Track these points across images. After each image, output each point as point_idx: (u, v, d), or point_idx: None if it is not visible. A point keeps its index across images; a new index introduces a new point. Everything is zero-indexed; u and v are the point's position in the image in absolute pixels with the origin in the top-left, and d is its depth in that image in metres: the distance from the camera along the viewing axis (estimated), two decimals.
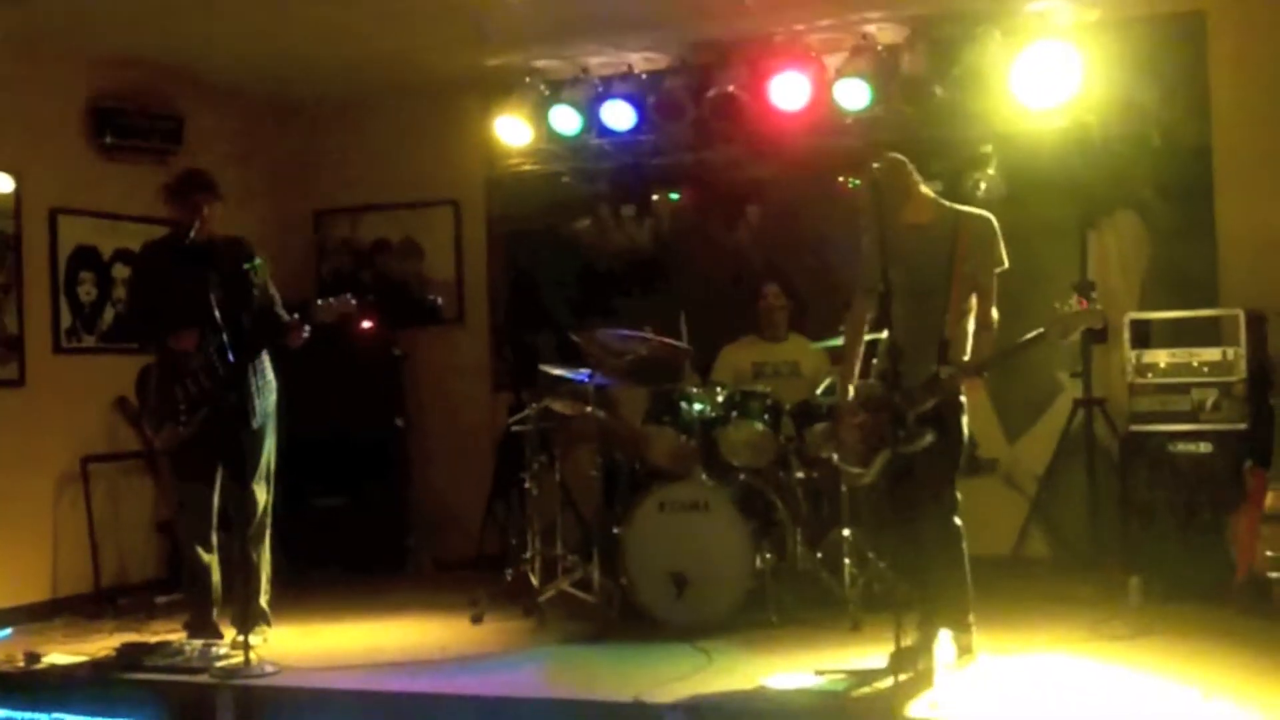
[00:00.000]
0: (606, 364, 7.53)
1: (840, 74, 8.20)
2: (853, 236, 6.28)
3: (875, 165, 5.79)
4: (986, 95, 7.96)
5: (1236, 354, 7.25)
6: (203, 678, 6.07)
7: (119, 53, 8.42)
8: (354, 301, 6.87)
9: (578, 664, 6.30)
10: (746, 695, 5.49)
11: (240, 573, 6.79)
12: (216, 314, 6.54)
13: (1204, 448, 7.24)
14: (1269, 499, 6.75)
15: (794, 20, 8.25)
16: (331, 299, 6.88)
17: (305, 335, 6.72)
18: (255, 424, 6.73)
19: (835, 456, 6.17)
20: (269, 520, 6.91)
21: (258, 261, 6.74)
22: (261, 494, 6.83)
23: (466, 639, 6.94)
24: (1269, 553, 6.71)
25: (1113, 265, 8.20)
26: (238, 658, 6.15)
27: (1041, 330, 5.60)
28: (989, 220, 5.84)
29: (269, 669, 6.13)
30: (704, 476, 7.04)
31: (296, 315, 6.80)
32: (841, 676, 5.66)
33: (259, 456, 6.80)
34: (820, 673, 5.71)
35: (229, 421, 6.60)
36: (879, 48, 8.22)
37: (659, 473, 7.30)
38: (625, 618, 6.93)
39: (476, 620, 7.25)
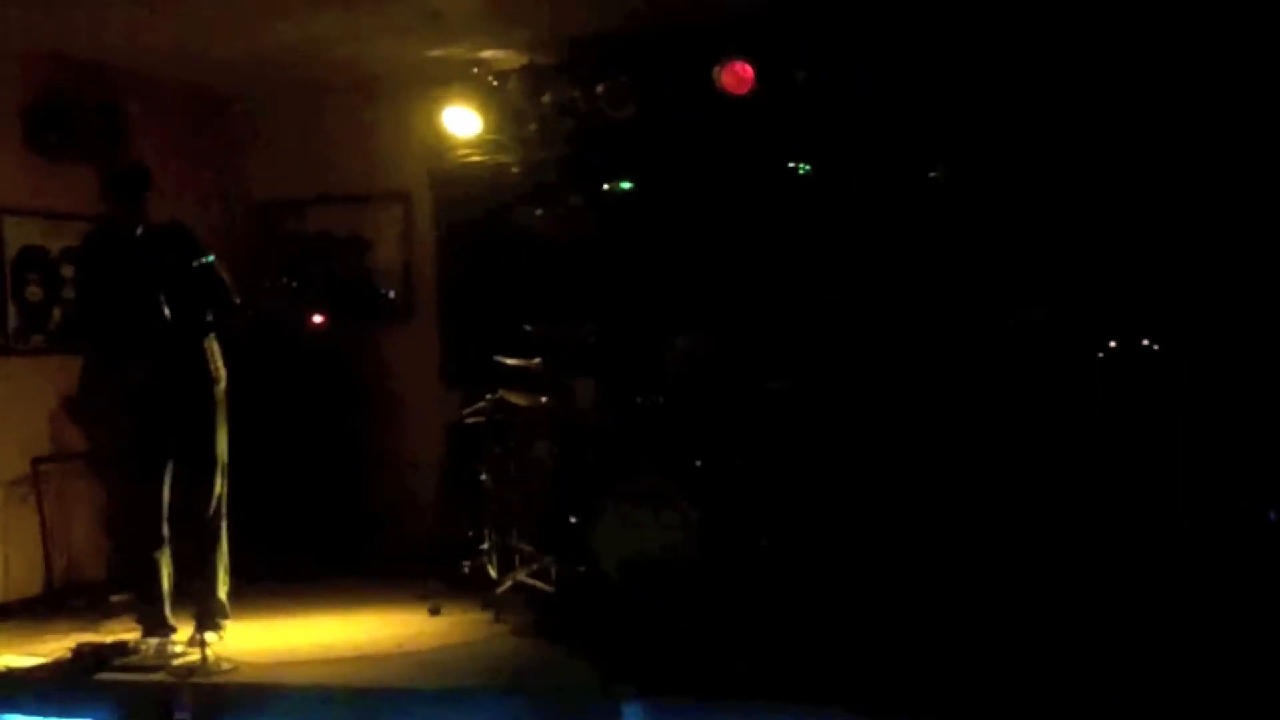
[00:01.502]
0: (559, 354, 7.52)
1: None
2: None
3: None
4: None
5: None
6: (159, 676, 6.04)
7: (56, 50, 8.31)
8: (294, 284, 6.83)
9: (535, 654, 6.30)
10: (706, 680, 5.51)
11: (197, 567, 6.74)
12: (165, 308, 6.49)
13: None
14: None
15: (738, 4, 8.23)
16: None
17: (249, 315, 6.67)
18: (209, 415, 6.68)
19: None
20: (224, 512, 6.85)
21: (210, 258, 6.69)
22: (216, 486, 6.78)
23: (425, 632, 6.93)
24: None
25: None
26: (194, 655, 6.12)
27: None
28: None
29: (226, 666, 6.11)
30: (658, 466, 7.05)
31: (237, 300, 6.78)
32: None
33: (213, 448, 6.75)
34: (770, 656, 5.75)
35: (180, 413, 6.55)
36: None
37: (614, 462, 7.31)
38: (584, 606, 6.93)
39: (434, 613, 7.24)
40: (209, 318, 6.67)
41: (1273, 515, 6.81)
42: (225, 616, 6.80)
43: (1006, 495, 6.86)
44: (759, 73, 8.08)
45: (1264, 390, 6.85)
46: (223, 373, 6.79)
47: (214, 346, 6.76)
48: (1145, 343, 7.42)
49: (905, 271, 7.37)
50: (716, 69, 8.13)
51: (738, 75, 8.08)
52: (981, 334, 7.29)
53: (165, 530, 6.75)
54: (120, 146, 8.53)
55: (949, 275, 6.79)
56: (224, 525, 6.87)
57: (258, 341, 6.72)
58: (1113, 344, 7.39)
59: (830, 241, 7.90)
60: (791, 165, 8.44)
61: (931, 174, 7.21)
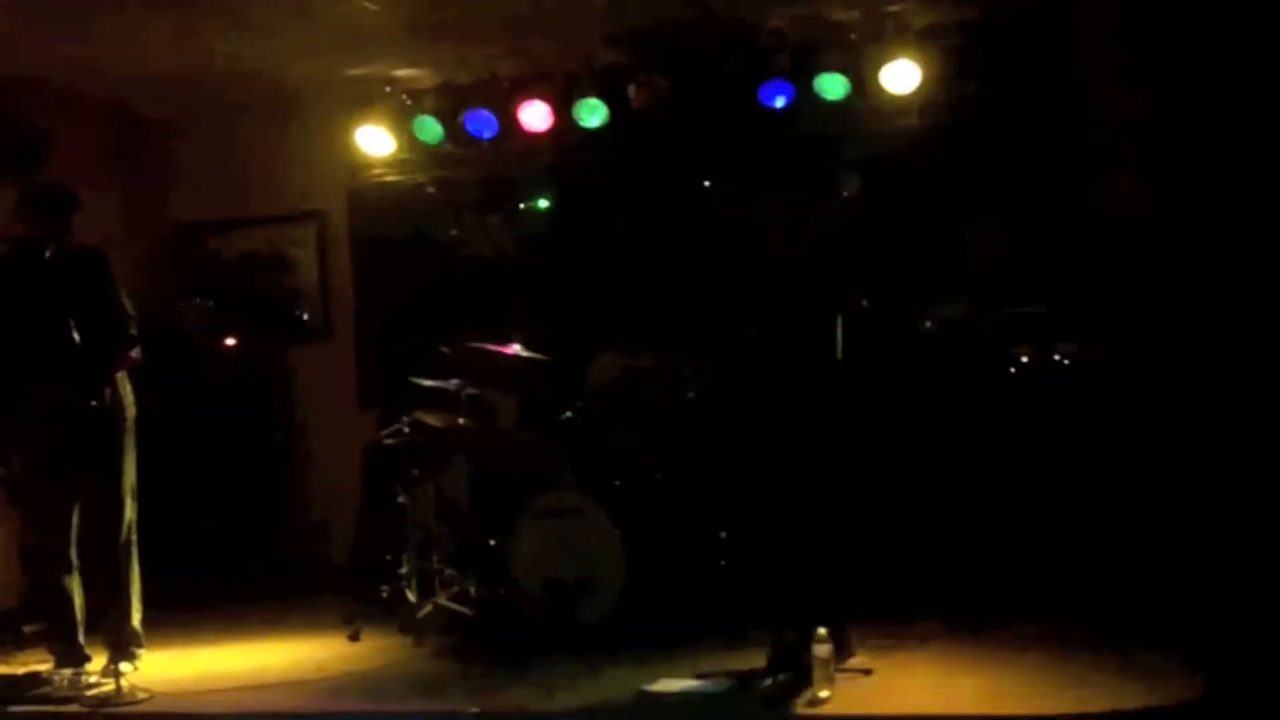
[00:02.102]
0: (476, 373, 7.50)
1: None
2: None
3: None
4: (846, 97, 8.09)
5: None
6: (73, 708, 5.94)
7: None
8: (210, 305, 6.75)
9: (458, 678, 6.25)
10: (629, 702, 5.51)
11: (108, 595, 6.62)
12: (75, 333, 6.38)
13: None
14: None
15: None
16: (185, 304, 6.76)
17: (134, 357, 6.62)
18: (116, 441, 6.57)
19: None
20: (134, 539, 6.73)
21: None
22: (127, 512, 6.66)
23: (344, 656, 6.87)
24: None
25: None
26: (109, 686, 6.03)
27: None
28: None
29: (141, 695, 6.01)
30: (578, 484, 7.04)
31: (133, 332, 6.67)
32: (723, 678, 5.71)
33: (120, 475, 6.63)
34: (702, 675, 5.76)
35: (88, 439, 6.45)
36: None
37: (534, 481, 7.28)
38: (505, 629, 6.90)
39: (354, 638, 7.17)
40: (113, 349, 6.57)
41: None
42: (139, 645, 6.69)
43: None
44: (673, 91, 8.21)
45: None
46: (130, 399, 6.68)
47: (123, 375, 6.66)
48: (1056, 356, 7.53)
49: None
50: (632, 88, 8.20)
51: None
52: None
53: (74, 557, 6.63)
54: (38, 165, 8.37)
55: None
56: (134, 552, 6.74)
57: (171, 364, 6.63)
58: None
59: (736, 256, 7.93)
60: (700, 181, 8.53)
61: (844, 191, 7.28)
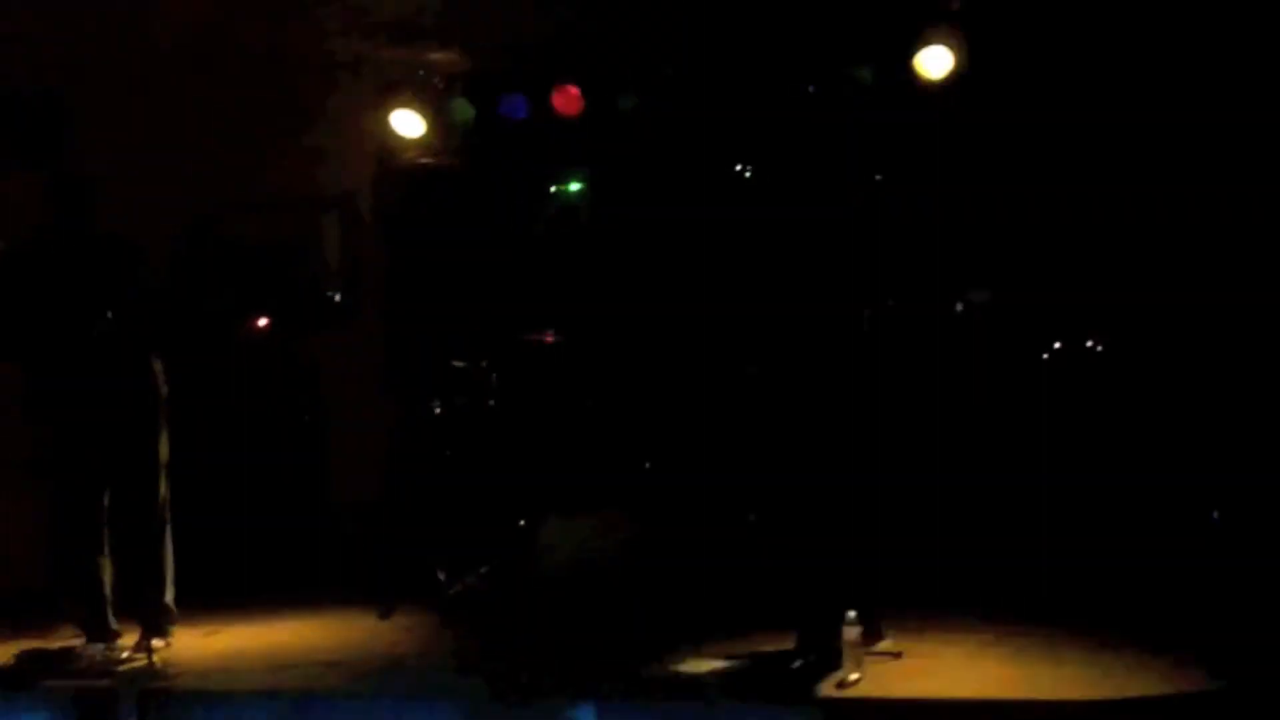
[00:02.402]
0: (506, 358, 7.49)
1: None
2: None
3: None
4: None
5: None
6: (105, 683, 5.97)
7: None
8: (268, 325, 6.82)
9: (486, 658, 6.25)
10: (658, 682, 5.51)
11: (143, 572, 6.65)
12: (99, 319, 6.44)
13: None
14: None
15: None
16: (262, 324, 6.80)
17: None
18: (151, 422, 6.61)
19: None
20: (168, 517, 6.76)
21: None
22: (160, 490, 6.69)
23: (374, 636, 6.88)
24: None
25: None
26: (140, 661, 6.05)
27: None
28: None
29: (172, 672, 6.04)
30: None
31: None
32: (751, 660, 5.71)
33: (155, 454, 6.67)
34: (731, 656, 5.75)
35: (121, 421, 6.49)
36: None
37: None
38: (535, 611, 6.91)
39: (383, 617, 7.18)
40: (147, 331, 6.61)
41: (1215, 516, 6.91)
42: (172, 621, 6.72)
43: None
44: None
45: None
46: (162, 379, 6.71)
47: (156, 359, 6.70)
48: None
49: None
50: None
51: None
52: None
53: (106, 536, 6.67)
54: (60, 148, 8.37)
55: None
56: (168, 529, 6.77)
57: (202, 346, 6.68)
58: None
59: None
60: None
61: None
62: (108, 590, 6.67)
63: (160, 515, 6.69)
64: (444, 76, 8.83)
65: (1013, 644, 5.84)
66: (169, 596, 6.71)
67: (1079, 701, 4.95)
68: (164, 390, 6.69)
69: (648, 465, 7.26)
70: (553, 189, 9.16)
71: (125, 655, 6.30)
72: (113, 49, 8.53)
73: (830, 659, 5.43)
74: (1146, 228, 7.47)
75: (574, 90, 8.49)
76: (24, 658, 6.33)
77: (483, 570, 7.27)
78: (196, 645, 6.75)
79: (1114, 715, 4.85)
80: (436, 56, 8.83)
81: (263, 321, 7.88)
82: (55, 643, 6.72)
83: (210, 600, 7.66)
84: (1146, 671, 5.25)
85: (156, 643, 6.32)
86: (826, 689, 5.22)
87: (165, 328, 6.69)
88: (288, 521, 8.94)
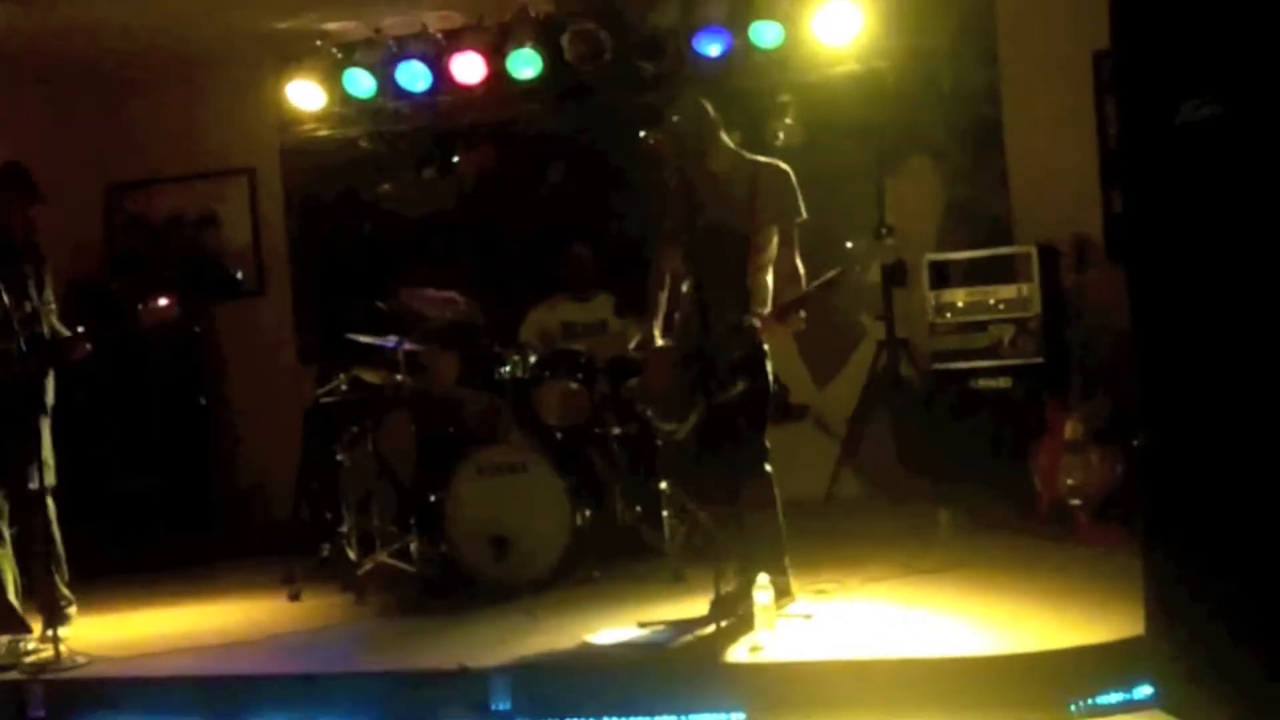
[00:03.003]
0: (415, 329, 7.44)
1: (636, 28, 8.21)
2: (657, 191, 6.28)
3: (674, 115, 5.82)
4: (782, 45, 8.04)
5: (1031, 290, 7.48)
6: (12, 675, 5.87)
7: None
8: (171, 304, 6.67)
9: (400, 635, 6.23)
10: (571, 654, 5.51)
11: (40, 562, 6.54)
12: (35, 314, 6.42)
13: (1004, 382, 7.46)
14: (1067, 429, 6.99)
15: None
16: (147, 304, 6.68)
17: (86, 350, 6.58)
18: (40, 407, 6.51)
19: (649, 411, 6.20)
20: (49, 503, 6.62)
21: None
22: (50, 476, 6.57)
23: (285, 617, 6.81)
24: (1069, 481, 6.95)
25: (909, 209, 8.38)
26: (47, 651, 5.96)
27: (838, 270, 5.64)
28: (786, 172, 5.88)
29: (80, 660, 5.94)
30: (519, 437, 7.03)
31: (80, 328, 6.60)
32: (664, 627, 5.73)
33: (44, 440, 6.56)
34: (643, 625, 5.76)
35: (21, 415, 6.40)
36: (674, 1, 8.24)
37: (474, 437, 7.26)
38: (447, 585, 6.88)
39: (294, 598, 7.12)
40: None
41: None
42: (70, 604, 6.62)
43: None
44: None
45: None
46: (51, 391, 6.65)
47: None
48: None
49: None
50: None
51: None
52: None
53: (4, 529, 6.55)
54: None
55: None
56: (52, 516, 6.63)
57: (99, 323, 6.57)
58: None
59: None
60: None
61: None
62: (10, 583, 6.55)
63: (42, 504, 6.55)
64: (341, 46, 8.71)
65: (930, 602, 5.89)
66: (62, 582, 6.60)
67: (988, 656, 5.00)
68: (50, 376, 6.60)
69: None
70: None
71: (32, 646, 6.19)
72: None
73: (743, 623, 5.46)
74: None
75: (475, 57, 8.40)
76: None
77: (395, 546, 7.20)
78: (104, 632, 6.65)
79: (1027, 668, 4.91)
80: (334, 26, 8.71)
81: (164, 300, 7.71)
82: None
83: (114, 585, 7.59)
84: (1060, 625, 5.30)
85: (62, 631, 6.21)
86: (739, 655, 5.24)
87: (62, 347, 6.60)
88: (189, 506, 8.87)
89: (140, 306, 6.72)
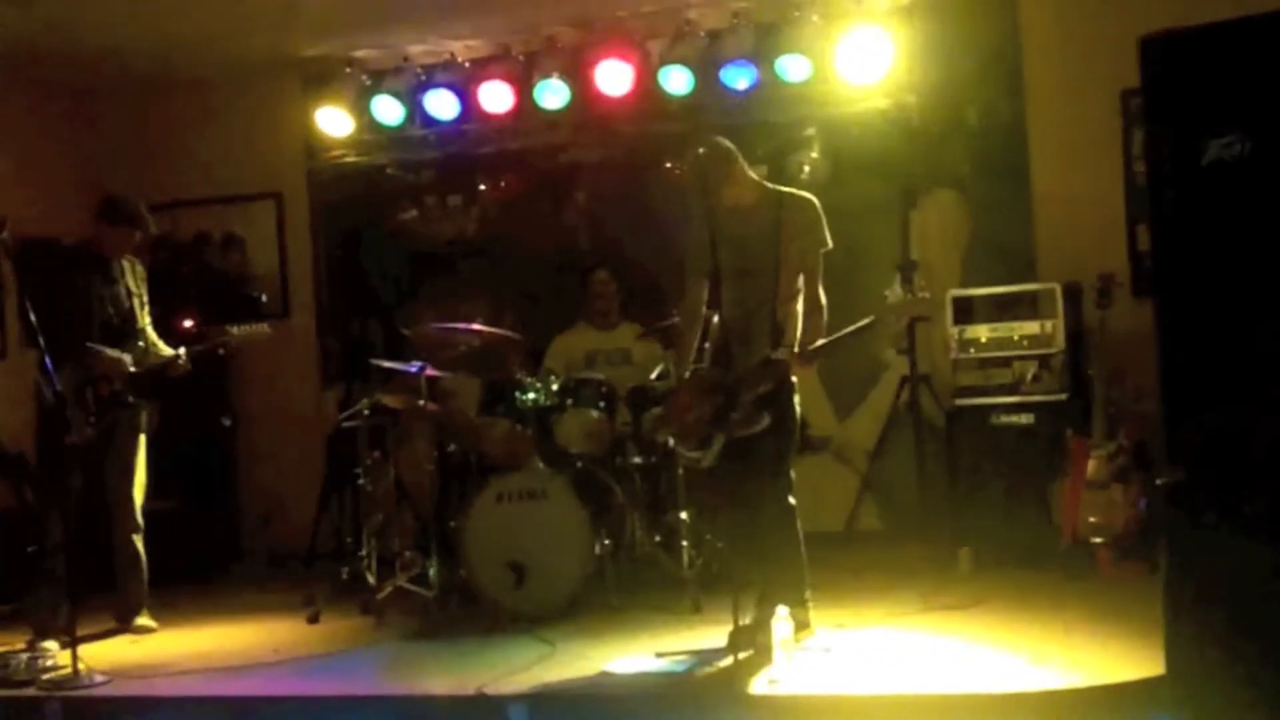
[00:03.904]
0: (438, 355, 7.46)
1: (663, 60, 8.24)
2: (681, 220, 6.30)
3: (699, 149, 5.85)
4: (808, 79, 8.06)
5: (1055, 326, 7.45)
6: (30, 691, 5.89)
7: None
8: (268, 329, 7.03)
9: (417, 660, 6.22)
10: (589, 682, 5.50)
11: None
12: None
13: (1026, 419, 7.43)
14: (1090, 466, 6.97)
15: (616, 6, 8.27)
16: (188, 324, 6.95)
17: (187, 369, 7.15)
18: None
19: (672, 441, 6.21)
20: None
21: None
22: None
23: (303, 639, 6.82)
24: (1091, 518, 6.93)
25: (934, 243, 8.38)
26: (66, 669, 5.98)
27: (871, 319, 5.64)
28: (812, 202, 5.90)
29: (99, 678, 5.96)
30: (540, 465, 7.03)
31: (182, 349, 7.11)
32: (682, 657, 5.72)
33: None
34: (661, 655, 5.76)
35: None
36: (701, 33, 8.27)
37: (495, 463, 7.26)
38: (465, 611, 6.88)
39: (313, 620, 7.13)
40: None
41: None
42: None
43: None
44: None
45: None
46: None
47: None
48: None
49: None
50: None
51: None
52: None
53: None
54: None
55: None
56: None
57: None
58: None
59: None
60: None
61: None
62: None
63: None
64: (371, 73, 8.77)
65: (947, 636, 5.87)
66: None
67: (1009, 693, 4.98)
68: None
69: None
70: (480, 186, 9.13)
71: (50, 663, 6.21)
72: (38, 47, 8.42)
73: (761, 655, 5.44)
74: None
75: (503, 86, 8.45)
76: None
77: (414, 571, 7.21)
78: (122, 650, 6.68)
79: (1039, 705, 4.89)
80: (363, 53, 8.77)
81: (189, 323, 7.78)
82: None
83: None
84: (1082, 664, 5.27)
85: (80, 649, 6.22)
86: (758, 687, 5.22)
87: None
88: (210, 527, 8.88)
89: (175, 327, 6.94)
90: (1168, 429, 4.28)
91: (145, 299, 7.15)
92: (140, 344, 7.02)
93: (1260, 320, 3.98)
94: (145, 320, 7.12)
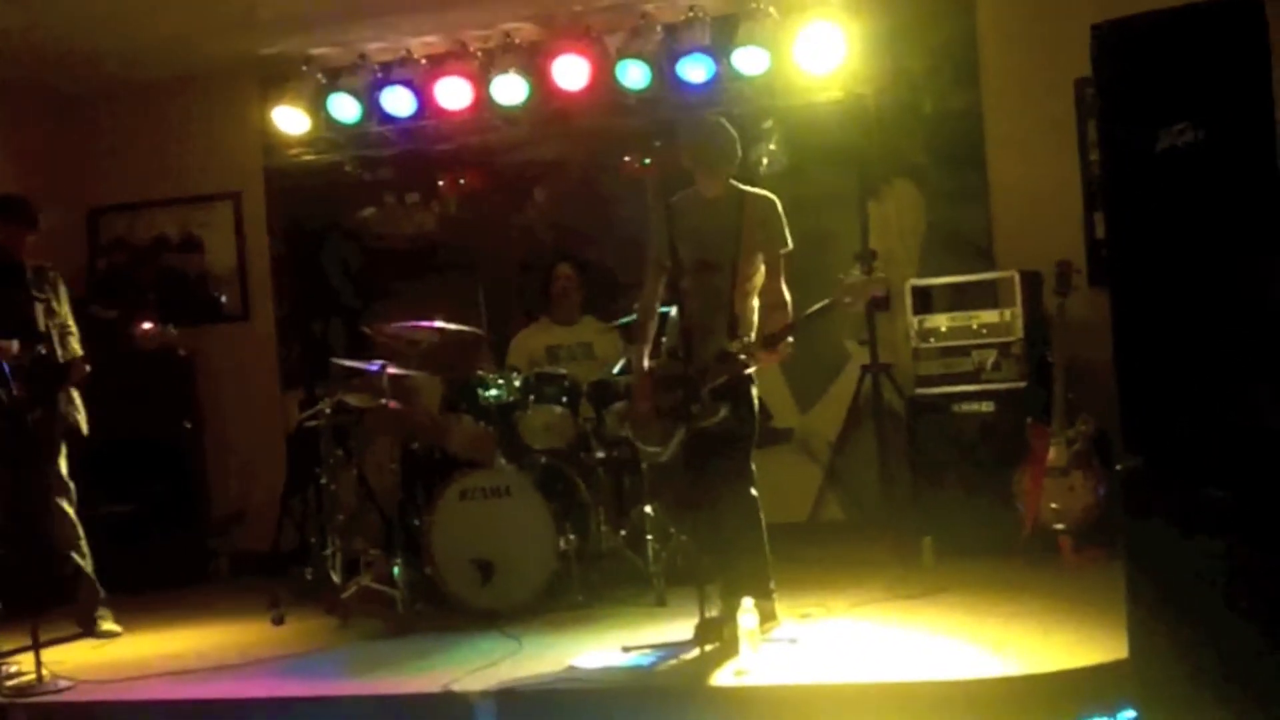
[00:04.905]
0: (399, 353, 7.45)
1: (621, 54, 8.23)
2: (640, 215, 6.31)
3: (713, 118, 5.93)
4: (766, 71, 8.07)
5: (1014, 314, 7.50)
6: None
7: None
8: (175, 332, 6.92)
9: (384, 659, 6.22)
10: (556, 677, 5.50)
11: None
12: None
13: (986, 407, 7.48)
14: (1050, 454, 7.02)
15: (573, 1, 8.26)
16: (147, 327, 6.88)
17: (85, 372, 7.03)
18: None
19: (633, 435, 6.22)
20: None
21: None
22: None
23: (269, 641, 6.81)
24: (1052, 505, 6.98)
25: (893, 233, 8.41)
26: (30, 675, 5.94)
27: (826, 301, 5.71)
28: (772, 201, 5.93)
29: (63, 684, 5.93)
30: (504, 462, 7.03)
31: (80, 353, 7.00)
32: (649, 651, 5.73)
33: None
34: (628, 649, 5.77)
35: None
36: (658, 27, 8.26)
37: (459, 461, 7.26)
38: (431, 609, 6.88)
39: (278, 621, 7.11)
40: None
41: None
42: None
43: None
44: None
45: None
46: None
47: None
48: None
49: None
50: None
51: None
52: None
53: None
54: None
55: None
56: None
57: (88, 351, 6.69)
58: None
59: None
60: None
61: None
62: None
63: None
64: (327, 72, 8.73)
65: (911, 625, 5.91)
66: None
67: (972, 680, 5.01)
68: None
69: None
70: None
71: (14, 670, 6.17)
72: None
73: (727, 647, 5.46)
74: None
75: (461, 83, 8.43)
76: None
77: (378, 570, 7.19)
78: (87, 655, 6.65)
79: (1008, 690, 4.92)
80: (319, 51, 8.73)
81: (148, 325, 7.72)
82: None
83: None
84: (1044, 648, 5.31)
85: (44, 654, 6.19)
86: (724, 679, 5.24)
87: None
88: (173, 529, 8.84)
89: (133, 330, 6.86)
90: (1124, 416, 4.32)
91: (56, 305, 7.08)
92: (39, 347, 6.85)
93: (1214, 306, 4.02)
94: (51, 325, 7.02)
